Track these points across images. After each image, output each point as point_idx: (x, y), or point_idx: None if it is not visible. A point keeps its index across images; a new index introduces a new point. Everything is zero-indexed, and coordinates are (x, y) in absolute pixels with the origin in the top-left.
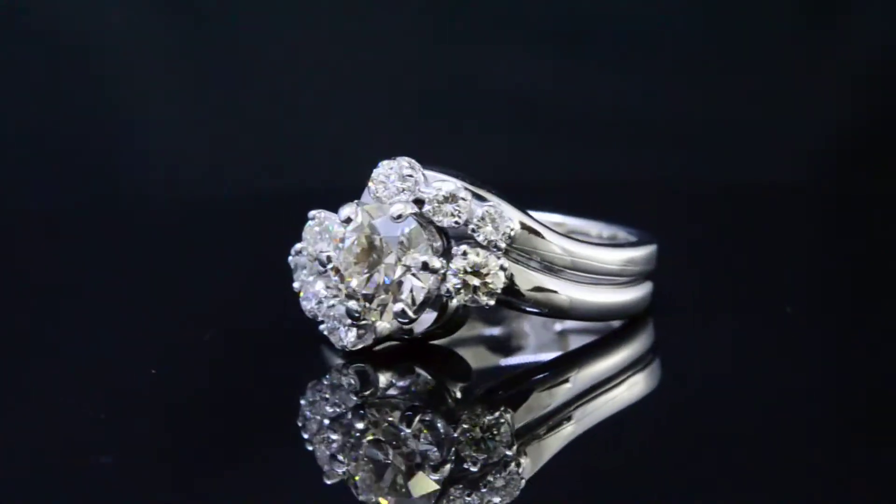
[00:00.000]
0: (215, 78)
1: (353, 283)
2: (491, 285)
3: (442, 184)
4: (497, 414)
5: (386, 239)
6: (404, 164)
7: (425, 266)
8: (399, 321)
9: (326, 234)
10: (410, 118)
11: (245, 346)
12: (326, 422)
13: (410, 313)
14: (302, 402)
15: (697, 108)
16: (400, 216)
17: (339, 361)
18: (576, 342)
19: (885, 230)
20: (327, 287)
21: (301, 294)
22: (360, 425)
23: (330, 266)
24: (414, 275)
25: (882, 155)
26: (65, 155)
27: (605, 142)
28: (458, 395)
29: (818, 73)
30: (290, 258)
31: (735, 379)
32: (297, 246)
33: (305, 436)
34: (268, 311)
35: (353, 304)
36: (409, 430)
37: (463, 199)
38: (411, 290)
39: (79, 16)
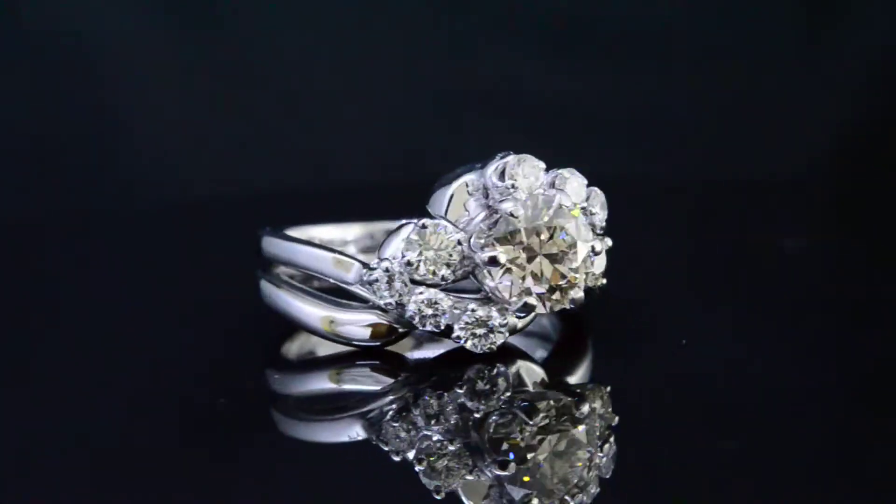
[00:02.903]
0: (214, 78)
1: (537, 275)
2: (602, 267)
3: (558, 173)
4: (590, 391)
5: (563, 229)
6: (527, 157)
7: (594, 251)
8: (570, 308)
9: (436, 242)
10: (406, 118)
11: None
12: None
13: (583, 299)
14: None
15: (698, 106)
16: (562, 206)
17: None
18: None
19: (885, 228)
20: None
21: (408, 306)
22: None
23: (500, 265)
24: (587, 261)
25: (882, 154)
26: (60, 156)
27: (606, 140)
28: (546, 380)
29: (818, 72)
30: (375, 272)
31: (729, 376)
32: (410, 256)
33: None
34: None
35: (530, 299)
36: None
37: (590, 186)
38: (587, 276)
39: (77, 16)
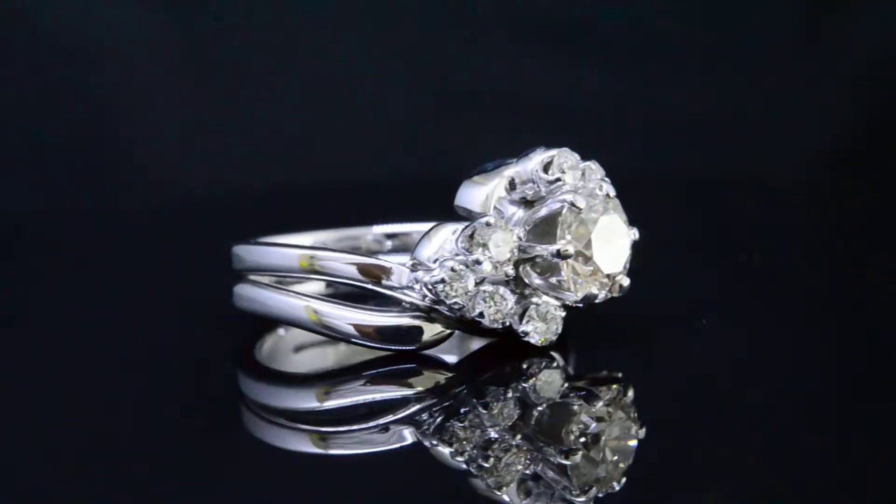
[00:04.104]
0: (214, 77)
1: (607, 267)
2: None
3: (586, 165)
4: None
5: (618, 219)
6: (566, 150)
7: (635, 238)
8: (616, 296)
9: (500, 239)
10: (403, 117)
11: None
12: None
13: (629, 286)
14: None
15: (698, 105)
16: (609, 196)
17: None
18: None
19: (885, 228)
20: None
21: (474, 305)
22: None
23: (568, 257)
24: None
25: (882, 154)
26: (59, 155)
27: (604, 138)
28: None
29: (819, 72)
30: (439, 273)
31: (728, 372)
32: (477, 254)
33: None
34: None
35: (592, 289)
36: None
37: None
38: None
39: (77, 15)
